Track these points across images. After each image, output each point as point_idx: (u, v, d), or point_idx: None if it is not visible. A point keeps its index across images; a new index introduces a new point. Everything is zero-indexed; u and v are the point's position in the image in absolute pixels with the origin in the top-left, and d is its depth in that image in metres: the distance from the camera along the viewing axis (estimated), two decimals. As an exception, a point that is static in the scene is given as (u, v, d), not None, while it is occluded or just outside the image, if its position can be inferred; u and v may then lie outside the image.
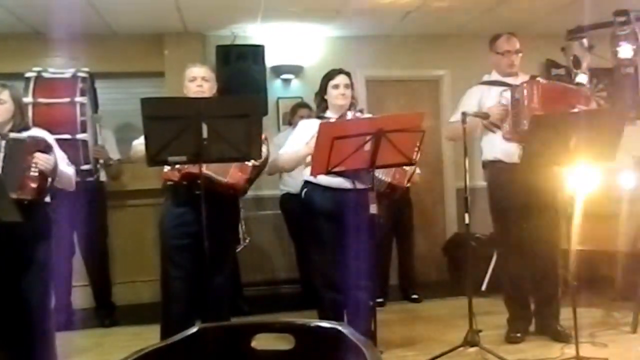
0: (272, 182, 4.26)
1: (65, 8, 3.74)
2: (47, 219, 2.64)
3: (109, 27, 4.38)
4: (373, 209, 2.54)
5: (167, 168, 2.68)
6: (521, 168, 2.71)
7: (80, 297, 4.06)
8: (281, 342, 1.17)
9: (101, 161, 3.81)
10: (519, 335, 3.13)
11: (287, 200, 4.14)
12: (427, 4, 4.12)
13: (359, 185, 2.74)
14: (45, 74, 3.37)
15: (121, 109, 4.49)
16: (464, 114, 2.80)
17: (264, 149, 2.67)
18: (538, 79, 3.03)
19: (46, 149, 2.51)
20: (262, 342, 1.17)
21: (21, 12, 3.95)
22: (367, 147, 2.41)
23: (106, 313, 3.96)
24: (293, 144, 2.93)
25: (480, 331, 2.93)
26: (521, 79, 3.10)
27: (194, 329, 1.14)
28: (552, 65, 5.03)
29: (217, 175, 2.65)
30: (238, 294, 4.13)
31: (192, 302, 2.77)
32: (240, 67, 4.29)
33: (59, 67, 3.56)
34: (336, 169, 2.46)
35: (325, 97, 2.93)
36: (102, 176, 3.94)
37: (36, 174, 2.44)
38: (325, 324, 1.10)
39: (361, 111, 2.94)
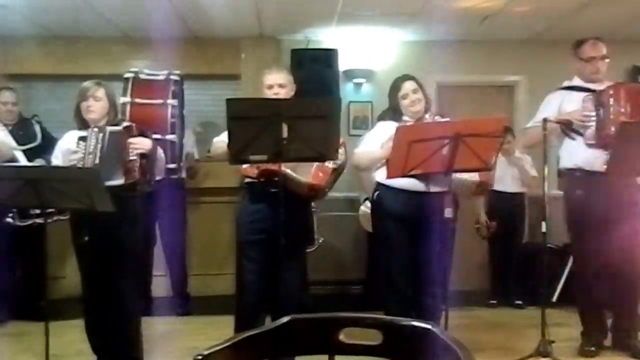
0: (346, 183, 4.31)
1: (153, 13, 3.99)
2: (137, 210, 2.83)
3: (190, 31, 4.60)
4: (448, 212, 2.52)
5: (246, 165, 2.77)
6: (607, 175, 2.60)
7: (158, 285, 4.30)
8: (369, 338, 1.20)
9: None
10: (593, 349, 3.02)
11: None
12: (508, 8, 4.04)
13: (434, 189, 2.73)
14: (141, 75, 3.58)
15: (199, 109, 4.71)
16: (545, 120, 2.72)
17: (340, 153, 2.72)
18: (624, 84, 2.90)
19: (140, 133, 2.71)
20: (350, 336, 1.20)
21: (112, 17, 4.23)
22: (445, 150, 2.40)
23: (182, 302, 4.17)
24: (369, 144, 2.96)
25: (553, 342, 2.85)
26: (605, 85, 2.98)
27: (285, 319, 1.19)
28: (638, 72, 4.76)
29: (299, 176, 2.73)
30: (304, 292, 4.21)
31: (264, 296, 2.86)
32: (313, 70, 4.37)
33: (150, 69, 3.78)
34: (413, 172, 2.47)
35: (398, 107, 2.92)
36: (183, 174, 4.15)
37: (135, 157, 2.65)
38: (416, 322, 1.12)
39: (441, 115, 2.91)
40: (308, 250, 3.49)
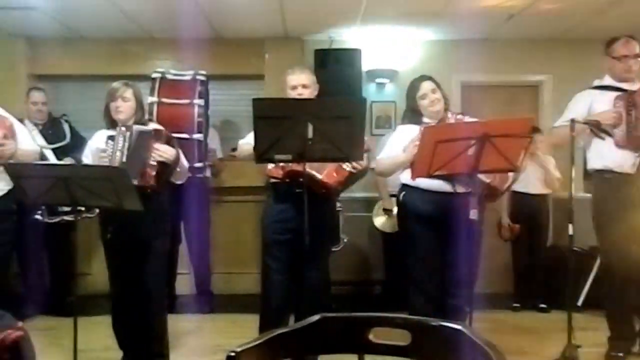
0: (367, 184, 4.31)
1: (178, 13, 4.04)
2: (164, 208, 2.88)
3: (215, 32, 4.64)
4: (473, 214, 2.50)
5: (271, 165, 2.78)
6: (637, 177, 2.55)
7: (182, 283, 4.35)
8: (398, 338, 1.20)
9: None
10: (621, 354, 2.96)
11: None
12: (534, 6, 3.98)
13: (459, 189, 2.70)
14: (168, 75, 3.64)
15: (223, 109, 4.75)
16: (573, 121, 2.68)
17: (364, 159, 2.72)
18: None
19: (168, 140, 2.74)
20: (379, 335, 1.20)
21: (138, 18, 4.29)
22: (471, 151, 2.38)
23: (205, 300, 4.21)
24: (391, 150, 2.93)
25: (579, 347, 2.80)
26: (638, 85, 2.92)
27: (315, 317, 1.20)
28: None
29: (315, 172, 2.74)
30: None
31: (289, 295, 2.87)
32: (336, 70, 4.39)
33: (175, 69, 3.83)
34: (438, 173, 2.45)
35: (417, 108, 2.90)
36: (207, 173, 4.20)
37: (155, 163, 2.68)
38: (447, 323, 1.11)
39: (462, 114, 2.88)
40: (333, 250, 3.51)
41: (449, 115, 2.85)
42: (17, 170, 2.53)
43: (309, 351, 1.18)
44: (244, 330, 3.46)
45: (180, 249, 4.25)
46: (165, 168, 2.73)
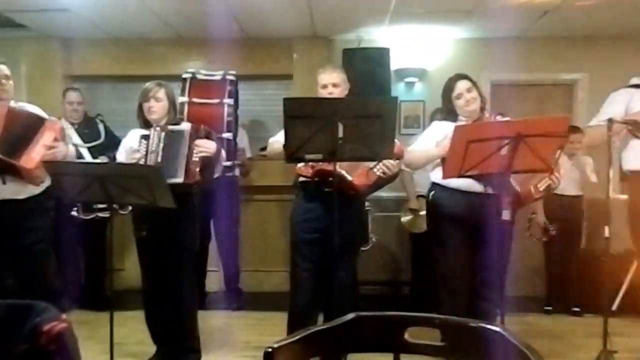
0: (396, 184, 4.28)
1: (208, 14, 4.10)
2: (196, 206, 2.92)
3: (245, 32, 4.69)
4: (506, 215, 2.45)
5: (300, 164, 2.80)
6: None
7: (211, 280, 4.41)
8: (433, 338, 1.20)
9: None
10: (658, 361, 2.87)
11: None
12: (569, 3, 3.89)
13: (491, 189, 2.67)
14: (198, 76, 3.70)
15: (252, 108, 4.79)
16: (611, 121, 2.61)
17: (395, 164, 2.71)
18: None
19: (207, 135, 2.79)
20: (415, 335, 1.20)
21: (169, 19, 4.37)
22: (504, 151, 2.34)
23: (234, 297, 4.26)
24: (423, 143, 2.92)
25: (615, 352, 2.73)
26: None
27: (350, 316, 1.20)
28: None
29: (345, 173, 2.75)
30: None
31: (317, 293, 2.88)
32: (365, 70, 4.35)
33: (205, 69, 3.89)
34: (469, 173, 2.42)
35: (452, 107, 2.87)
36: (236, 172, 4.25)
37: (198, 159, 2.74)
38: (485, 324, 1.11)
39: (502, 114, 2.84)
40: (362, 250, 3.50)
41: (486, 114, 2.81)
42: (56, 168, 2.60)
43: (344, 349, 1.18)
44: (273, 327, 3.50)
45: (210, 246, 4.30)
46: (209, 162, 2.79)
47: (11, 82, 2.83)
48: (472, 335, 1.13)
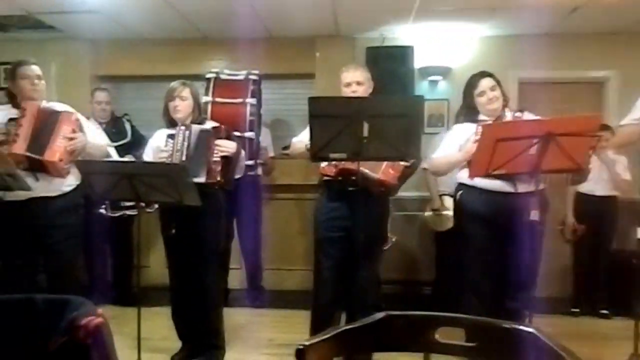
0: (416, 183, 4.26)
1: (232, 14, 4.12)
2: (220, 205, 2.95)
3: (267, 32, 4.71)
4: (534, 215, 2.42)
5: (324, 163, 2.80)
6: None
7: (234, 278, 4.45)
8: (464, 338, 1.19)
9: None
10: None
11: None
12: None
13: (519, 189, 2.63)
14: (222, 75, 3.73)
15: (275, 107, 4.80)
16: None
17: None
18: None
19: (227, 135, 2.82)
20: (445, 335, 1.19)
21: (193, 19, 4.41)
22: (533, 150, 2.30)
23: (257, 295, 4.29)
24: (446, 149, 2.88)
25: (646, 356, 2.67)
26: None
27: (380, 315, 1.20)
28: None
29: (370, 172, 2.73)
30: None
31: (340, 292, 2.88)
32: (388, 68, 4.33)
33: (228, 68, 3.92)
34: (497, 172, 2.39)
35: (473, 105, 2.83)
36: (259, 171, 4.27)
37: (218, 159, 2.77)
38: (519, 325, 1.09)
39: (521, 111, 2.80)
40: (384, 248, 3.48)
41: (507, 113, 2.77)
42: (86, 167, 2.66)
43: (375, 348, 1.18)
44: (295, 325, 3.51)
45: (233, 244, 4.34)
46: (229, 162, 2.82)
47: (43, 82, 2.91)
48: (504, 337, 1.11)
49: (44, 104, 2.90)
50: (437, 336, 1.18)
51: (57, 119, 2.79)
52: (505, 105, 2.82)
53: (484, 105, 2.78)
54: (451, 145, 2.85)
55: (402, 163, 2.72)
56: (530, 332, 1.07)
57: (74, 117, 2.87)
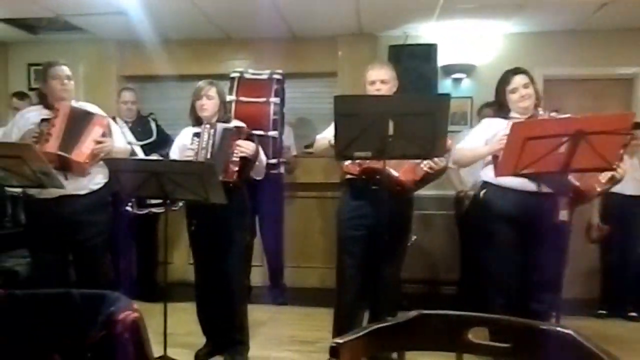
0: (437, 182, 4.23)
1: (256, 14, 4.15)
2: (245, 203, 2.97)
3: (290, 31, 4.72)
4: (563, 215, 2.38)
5: (347, 161, 2.80)
6: None
7: (255, 275, 4.48)
8: (498, 339, 1.18)
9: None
10: None
11: (462, 201, 4.09)
12: (629, -6, 3.74)
13: (546, 189, 2.59)
14: (246, 75, 3.76)
15: (297, 106, 4.81)
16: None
17: (442, 159, 2.66)
18: None
19: (248, 136, 2.84)
20: (478, 335, 1.19)
21: (218, 20, 4.44)
22: (562, 149, 2.27)
23: (279, 292, 4.32)
24: (473, 140, 2.87)
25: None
26: None
27: (412, 314, 1.20)
28: None
29: (392, 170, 2.72)
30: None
31: (363, 290, 2.88)
32: (411, 66, 4.31)
33: (255, 68, 3.94)
34: (525, 171, 2.36)
35: (505, 101, 2.81)
36: (281, 169, 4.29)
37: (237, 159, 2.79)
38: (555, 327, 1.08)
39: (556, 111, 2.76)
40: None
41: (540, 111, 2.73)
42: (115, 165, 2.71)
43: (407, 347, 1.18)
44: (317, 322, 3.53)
45: (255, 242, 4.36)
46: (247, 163, 2.84)
47: (72, 82, 2.97)
48: (541, 338, 1.10)
49: (74, 103, 2.95)
50: (470, 336, 1.18)
51: (90, 120, 2.84)
52: (537, 104, 2.77)
53: (515, 103, 2.74)
54: (478, 138, 2.83)
55: (424, 169, 2.70)
56: (568, 334, 1.06)
57: (106, 121, 2.93)
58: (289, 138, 4.38)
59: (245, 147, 2.80)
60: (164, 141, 4.12)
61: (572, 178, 2.58)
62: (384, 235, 2.52)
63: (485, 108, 4.15)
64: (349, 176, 2.88)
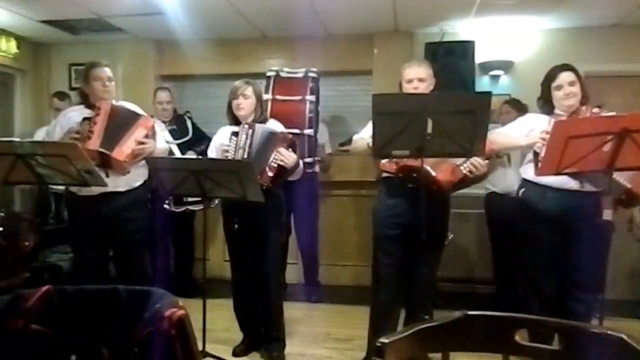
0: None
1: (292, 12, 4.17)
2: (281, 202, 3.00)
3: (325, 29, 4.72)
4: (607, 215, 2.31)
5: (385, 160, 2.79)
6: None
7: (291, 273, 4.52)
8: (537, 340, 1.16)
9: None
10: None
11: (493, 201, 4.02)
12: (676, -14, 3.59)
13: (588, 188, 2.52)
14: (282, 74, 3.79)
15: (332, 104, 4.81)
16: None
17: (483, 164, 2.62)
18: None
19: (291, 144, 2.84)
20: (525, 337, 1.17)
21: (253, 19, 4.48)
22: (606, 147, 2.20)
23: (313, 290, 4.34)
24: (512, 130, 2.83)
25: None
26: None
27: (458, 314, 1.19)
28: None
29: (430, 169, 2.70)
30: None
31: (399, 289, 2.87)
32: (448, 63, 4.26)
33: (291, 67, 3.96)
34: (567, 170, 2.30)
35: (549, 98, 2.74)
36: (316, 168, 4.30)
37: (275, 165, 2.80)
38: (604, 330, 1.06)
39: (599, 107, 2.68)
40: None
41: (583, 109, 2.66)
42: (155, 163, 2.77)
43: (453, 347, 1.17)
44: (352, 320, 3.54)
45: (290, 240, 4.40)
46: (283, 171, 2.84)
47: (113, 83, 3.03)
48: (591, 341, 1.08)
49: (114, 103, 3.02)
50: (517, 338, 1.16)
51: (135, 120, 2.88)
52: (584, 103, 2.70)
53: (560, 100, 2.68)
54: (518, 129, 2.79)
55: (464, 171, 2.66)
56: (619, 338, 1.03)
57: (151, 123, 2.96)
58: (323, 136, 4.38)
59: (285, 157, 2.79)
60: (200, 139, 4.19)
61: (623, 179, 2.51)
62: (420, 234, 2.49)
63: (504, 105, 4.09)
64: (385, 174, 2.86)
